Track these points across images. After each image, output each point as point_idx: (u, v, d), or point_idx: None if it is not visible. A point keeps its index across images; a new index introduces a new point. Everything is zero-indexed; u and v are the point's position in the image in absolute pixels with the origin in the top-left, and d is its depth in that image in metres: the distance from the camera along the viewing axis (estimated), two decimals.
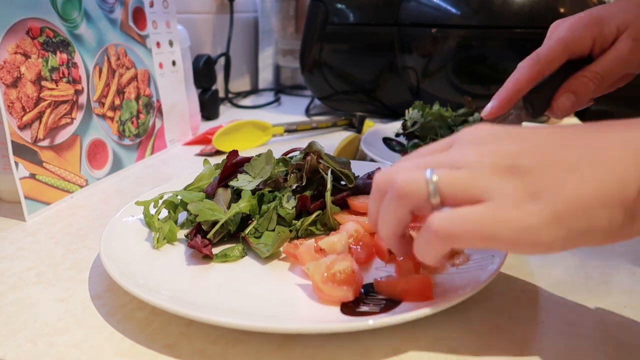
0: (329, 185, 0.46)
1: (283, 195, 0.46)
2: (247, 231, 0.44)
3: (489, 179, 0.27)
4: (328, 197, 0.46)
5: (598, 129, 0.28)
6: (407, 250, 0.33)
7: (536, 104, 0.47)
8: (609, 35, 0.44)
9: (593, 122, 0.29)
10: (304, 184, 0.47)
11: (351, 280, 0.35)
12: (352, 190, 0.49)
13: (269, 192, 0.47)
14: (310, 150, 0.48)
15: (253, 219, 0.45)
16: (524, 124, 0.50)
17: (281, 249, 0.42)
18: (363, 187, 0.50)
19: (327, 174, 0.47)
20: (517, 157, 0.27)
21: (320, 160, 0.48)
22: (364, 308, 0.34)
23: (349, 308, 0.34)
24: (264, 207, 0.45)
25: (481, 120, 0.49)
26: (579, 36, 0.45)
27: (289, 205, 0.45)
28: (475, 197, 0.27)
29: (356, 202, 0.47)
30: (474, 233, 0.27)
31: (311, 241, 0.41)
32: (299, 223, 0.45)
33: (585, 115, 1.02)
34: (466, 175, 0.28)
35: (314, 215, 0.45)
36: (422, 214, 0.30)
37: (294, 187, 0.47)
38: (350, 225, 0.43)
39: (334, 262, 0.36)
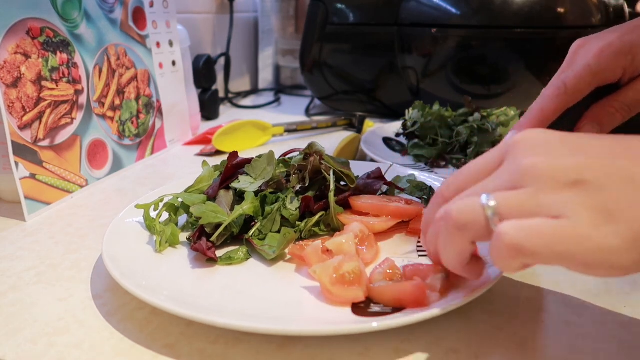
0: (332, 186, 0.46)
1: (286, 197, 0.46)
2: (250, 233, 0.44)
3: (551, 196, 0.26)
4: (331, 197, 0.46)
5: None
6: (478, 273, 0.32)
7: (559, 130, 0.46)
8: None
9: None
10: (307, 185, 0.47)
11: (361, 280, 0.35)
12: (352, 190, 0.49)
13: (272, 193, 0.47)
14: (311, 150, 0.48)
15: (256, 221, 0.45)
16: None
17: (286, 250, 0.42)
18: (363, 187, 0.50)
19: (329, 175, 0.47)
20: (582, 171, 0.25)
21: (322, 161, 0.48)
22: (375, 309, 0.34)
23: (360, 309, 0.34)
24: (267, 208, 0.45)
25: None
26: (609, 65, 0.41)
27: (293, 206, 0.45)
28: (543, 216, 0.25)
29: (359, 202, 0.47)
30: (547, 248, 0.25)
31: (318, 242, 0.41)
32: (302, 224, 0.45)
33: None
34: (525, 196, 0.26)
35: (317, 216, 0.45)
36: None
37: (297, 188, 0.47)
38: (355, 225, 0.42)
39: (342, 263, 0.36)
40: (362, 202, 0.47)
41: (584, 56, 0.42)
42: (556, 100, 0.42)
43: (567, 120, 0.45)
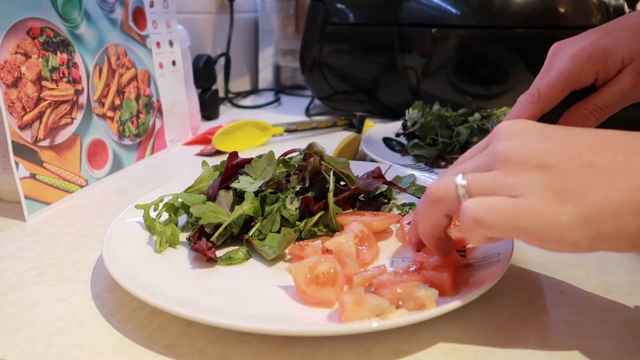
0: (331, 187, 0.46)
1: (286, 197, 0.46)
2: (250, 233, 0.44)
3: (517, 176, 0.28)
4: (330, 198, 0.46)
5: (633, 135, 0.29)
6: (447, 250, 0.36)
7: None
8: (613, 69, 0.42)
9: (628, 131, 0.29)
10: (307, 185, 0.47)
11: (335, 282, 0.35)
12: (352, 191, 0.49)
13: (271, 193, 0.47)
14: (311, 151, 0.48)
15: (256, 221, 0.45)
16: None
17: (286, 250, 0.42)
18: (364, 187, 0.50)
19: (329, 176, 0.47)
20: (548, 155, 0.28)
21: (322, 162, 0.48)
22: None
23: None
24: (267, 208, 0.45)
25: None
26: (582, 71, 0.42)
27: (293, 206, 0.45)
28: (505, 195, 0.29)
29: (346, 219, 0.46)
30: (503, 222, 0.28)
31: (318, 242, 0.41)
32: (302, 224, 0.45)
33: None
34: (493, 177, 0.29)
35: (317, 216, 0.45)
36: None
37: (297, 188, 0.47)
38: (355, 225, 0.42)
39: (317, 264, 0.36)
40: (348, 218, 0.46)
41: (559, 61, 0.44)
42: (530, 107, 0.44)
43: (543, 122, 0.46)
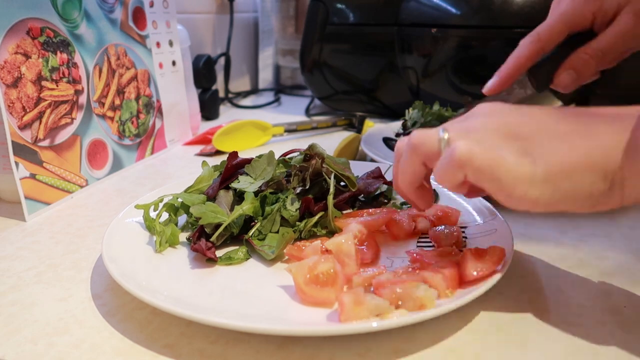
0: (331, 189, 0.46)
1: (287, 197, 0.46)
2: (250, 233, 0.44)
3: (491, 140, 0.31)
4: (330, 200, 0.46)
5: (594, 110, 0.32)
6: (426, 200, 0.38)
7: (539, 79, 0.48)
8: (610, 10, 0.44)
9: (588, 107, 0.33)
10: (307, 187, 0.47)
11: (335, 282, 0.35)
12: (353, 193, 0.49)
13: (271, 193, 0.47)
14: (312, 152, 0.48)
15: (256, 221, 0.45)
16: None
17: (285, 250, 0.42)
18: (364, 188, 0.50)
19: (330, 178, 0.47)
20: (518, 126, 0.31)
21: (324, 164, 0.48)
22: None
23: None
24: (267, 209, 0.45)
25: (482, 96, 0.50)
26: (579, 11, 0.45)
27: (293, 207, 0.45)
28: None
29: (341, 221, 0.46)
30: (488, 168, 0.30)
31: (317, 242, 0.41)
32: (302, 224, 0.45)
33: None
34: (473, 137, 0.31)
35: (316, 217, 0.45)
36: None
37: (297, 190, 0.47)
38: (354, 226, 0.42)
39: (317, 264, 0.36)
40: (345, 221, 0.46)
41: (559, 7, 0.46)
42: (530, 47, 0.46)
43: (544, 70, 0.48)
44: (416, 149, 0.34)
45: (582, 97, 0.74)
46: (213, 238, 0.43)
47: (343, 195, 0.48)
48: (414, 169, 0.35)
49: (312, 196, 0.47)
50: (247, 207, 0.44)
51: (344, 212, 0.48)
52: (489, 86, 0.49)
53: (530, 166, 0.29)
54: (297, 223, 0.45)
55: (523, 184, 0.29)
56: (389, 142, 0.77)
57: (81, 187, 0.61)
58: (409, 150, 0.34)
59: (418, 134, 0.34)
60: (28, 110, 0.53)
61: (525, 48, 0.46)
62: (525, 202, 0.30)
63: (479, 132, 0.32)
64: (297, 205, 0.45)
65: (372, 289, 0.35)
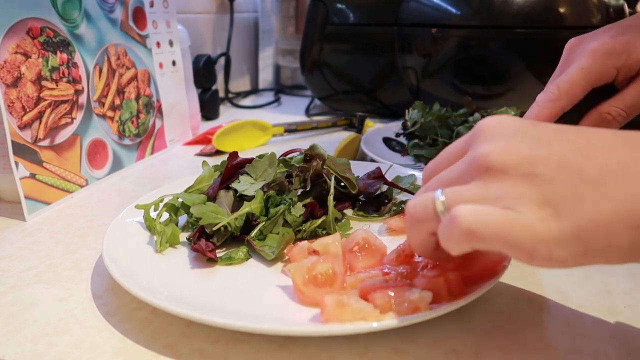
0: (332, 191, 0.46)
1: (290, 199, 0.45)
2: (252, 234, 0.44)
3: (501, 187, 0.26)
4: (330, 202, 0.45)
5: (626, 139, 0.26)
6: (448, 257, 0.32)
7: None
8: (635, 65, 0.41)
9: (622, 130, 0.27)
10: (308, 189, 0.47)
11: (333, 283, 0.35)
12: (354, 195, 0.49)
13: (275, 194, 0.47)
14: (313, 153, 0.48)
15: (259, 221, 0.45)
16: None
17: (285, 251, 0.42)
18: (364, 189, 0.50)
19: (330, 180, 0.47)
20: (534, 164, 0.26)
21: (325, 166, 0.48)
22: None
23: None
24: (272, 210, 0.45)
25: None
26: (602, 66, 0.41)
27: (297, 212, 0.44)
28: (495, 206, 0.26)
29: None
30: (499, 236, 0.25)
31: (304, 242, 0.41)
32: (307, 225, 0.45)
33: None
34: (476, 188, 0.27)
35: (320, 220, 0.45)
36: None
37: (298, 192, 0.47)
38: (359, 232, 0.41)
39: (315, 264, 0.36)
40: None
41: (578, 58, 0.42)
42: (550, 106, 0.41)
43: (564, 122, 0.45)
44: (414, 221, 0.30)
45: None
46: (213, 238, 0.42)
47: (342, 204, 0.49)
48: (421, 241, 0.31)
49: (312, 197, 0.47)
50: (255, 205, 0.44)
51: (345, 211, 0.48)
52: None
53: (554, 222, 0.24)
54: (301, 225, 0.45)
55: (547, 246, 0.25)
56: (389, 142, 0.77)
57: (81, 187, 0.61)
58: (408, 223, 0.30)
59: (412, 203, 0.30)
60: (28, 110, 0.53)
61: (545, 108, 0.41)
62: (552, 262, 0.25)
63: (482, 176, 0.27)
64: (301, 210, 0.45)
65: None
